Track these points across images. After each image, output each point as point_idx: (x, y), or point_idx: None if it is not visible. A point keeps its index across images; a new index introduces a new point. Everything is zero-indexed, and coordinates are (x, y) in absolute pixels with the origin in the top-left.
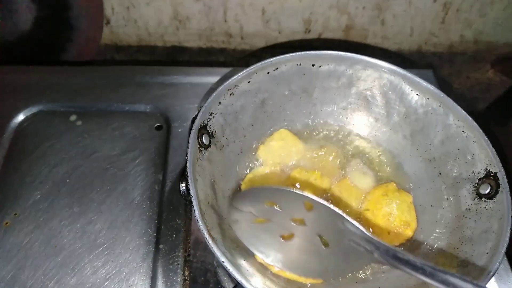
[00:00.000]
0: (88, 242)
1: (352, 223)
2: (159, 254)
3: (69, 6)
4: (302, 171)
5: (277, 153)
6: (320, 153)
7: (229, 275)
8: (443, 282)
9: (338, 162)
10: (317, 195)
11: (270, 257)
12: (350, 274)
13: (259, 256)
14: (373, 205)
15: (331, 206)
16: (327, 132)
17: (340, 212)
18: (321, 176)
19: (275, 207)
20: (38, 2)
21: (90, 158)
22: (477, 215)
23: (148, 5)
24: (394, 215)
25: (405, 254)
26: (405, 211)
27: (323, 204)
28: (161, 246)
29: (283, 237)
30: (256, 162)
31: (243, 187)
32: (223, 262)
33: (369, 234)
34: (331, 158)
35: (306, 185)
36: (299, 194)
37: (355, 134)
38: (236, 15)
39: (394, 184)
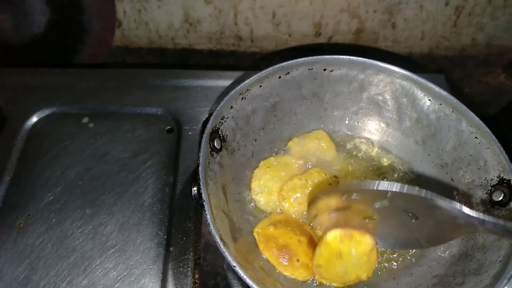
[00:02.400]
0: (100, 244)
1: (452, 206)
2: (169, 257)
3: (82, 9)
4: (321, 172)
5: (307, 149)
6: (348, 165)
7: (239, 279)
8: None
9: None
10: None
11: None
12: (445, 244)
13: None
14: (325, 262)
15: (419, 193)
16: (340, 138)
17: (434, 197)
18: (339, 184)
19: (353, 196)
20: (51, 5)
21: (102, 160)
22: None
23: (160, 8)
24: (349, 273)
25: None
26: (363, 264)
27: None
28: (171, 248)
29: (366, 218)
30: (284, 150)
31: (261, 164)
32: (235, 266)
33: (472, 213)
34: (357, 174)
35: (320, 186)
36: (374, 189)
37: (367, 139)
38: (246, 18)
39: (355, 233)
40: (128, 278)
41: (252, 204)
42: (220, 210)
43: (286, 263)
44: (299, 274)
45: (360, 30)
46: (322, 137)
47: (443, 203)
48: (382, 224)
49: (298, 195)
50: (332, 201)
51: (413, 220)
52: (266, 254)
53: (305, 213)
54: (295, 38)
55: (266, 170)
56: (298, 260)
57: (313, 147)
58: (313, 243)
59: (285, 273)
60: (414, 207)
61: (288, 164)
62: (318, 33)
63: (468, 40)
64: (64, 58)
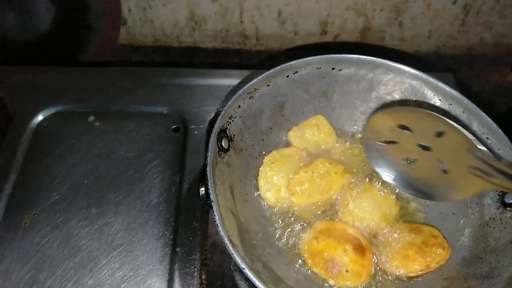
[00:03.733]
0: (106, 244)
1: (482, 150)
2: (176, 257)
3: (87, 7)
4: (326, 162)
5: (307, 137)
6: (350, 150)
7: (246, 280)
8: None
9: (365, 165)
10: (334, 189)
11: (391, 177)
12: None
13: (382, 175)
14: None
15: (465, 132)
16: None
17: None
18: (344, 171)
19: (406, 131)
20: (56, 2)
21: (107, 159)
22: (501, 224)
23: (165, 6)
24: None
25: None
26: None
27: (458, 130)
28: (178, 249)
29: (406, 159)
30: (285, 141)
31: (265, 161)
32: (244, 268)
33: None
34: (359, 158)
35: (325, 175)
36: (437, 117)
37: None
38: (252, 16)
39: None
40: (134, 278)
41: (261, 203)
42: (228, 211)
43: (336, 276)
44: (352, 281)
45: (367, 28)
46: (321, 123)
47: (478, 150)
48: (415, 167)
49: (306, 185)
50: (386, 129)
51: (442, 173)
52: (316, 270)
53: (318, 204)
54: (301, 36)
55: (271, 167)
56: (347, 271)
57: (313, 135)
58: (360, 247)
59: (339, 285)
60: (450, 156)
61: (291, 156)
62: (324, 32)
63: (476, 39)
64: (69, 56)
